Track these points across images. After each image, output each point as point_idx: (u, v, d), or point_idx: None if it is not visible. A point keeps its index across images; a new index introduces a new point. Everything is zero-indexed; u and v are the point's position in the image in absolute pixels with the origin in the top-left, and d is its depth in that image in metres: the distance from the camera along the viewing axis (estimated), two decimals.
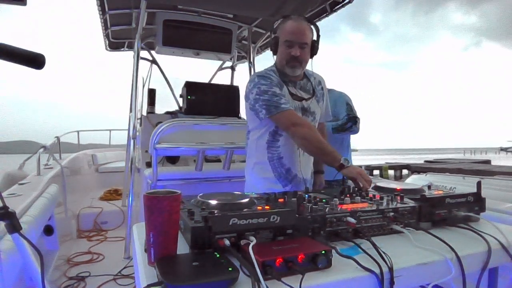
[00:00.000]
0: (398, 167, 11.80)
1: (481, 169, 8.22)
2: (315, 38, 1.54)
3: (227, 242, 0.71)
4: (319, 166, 1.78)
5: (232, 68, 3.91)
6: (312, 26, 1.53)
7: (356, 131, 2.34)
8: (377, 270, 0.70)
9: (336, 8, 2.80)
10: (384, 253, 0.75)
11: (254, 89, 1.47)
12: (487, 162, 12.88)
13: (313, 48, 1.51)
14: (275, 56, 1.56)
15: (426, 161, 13.38)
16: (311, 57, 1.54)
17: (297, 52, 1.45)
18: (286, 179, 1.55)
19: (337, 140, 2.47)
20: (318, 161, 1.73)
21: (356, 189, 1.21)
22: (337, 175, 2.26)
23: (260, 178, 1.57)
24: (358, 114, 2.35)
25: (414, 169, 9.66)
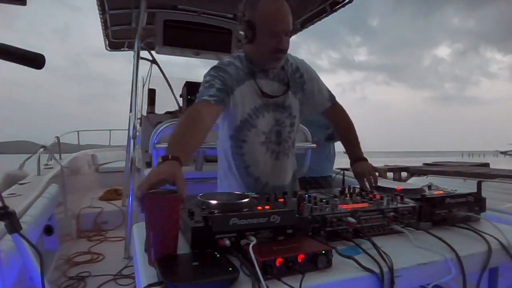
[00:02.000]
0: (397, 170, 11.79)
1: (480, 171, 8.23)
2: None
3: (227, 242, 0.71)
4: (355, 152, 1.42)
5: None
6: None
7: None
8: (377, 270, 0.70)
9: (336, 8, 2.80)
10: (384, 253, 0.75)
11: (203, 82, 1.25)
12: (486, 165, 12.92)
13: (292, 32, 1.26)
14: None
15: (425, 164, 13.38)
16: None
17: (286, 43, 1.22)
18: (256, 188, 1.33)
19: (326, 149, 2.47)
20: (350, 146, 1.45)
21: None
22: (326, 172, 2.22)
23: (225, 187, 1.40)
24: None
25: (413, 172, 9.62)
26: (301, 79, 1.38)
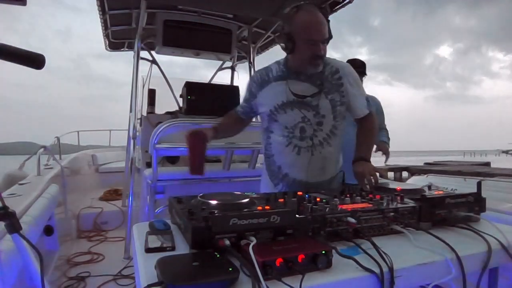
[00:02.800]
0: (397, 169, 11.76)
1: (481, 171, 8.24)
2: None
3: (227, 242, 0.71)
4: (359, 151, 1.45)
5: (232, 68, 3.91)
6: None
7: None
8: (377, 270, 0.70)
9: (336, 8, 2.81)
10: (384, 253, 0.75)
11: None
12: (487, 164, 12.90)
13: (329, 39, 1.37)
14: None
15: (425, 163, 13.35)
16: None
17: (322, 50, 1.34)
18: (277, 177, 1.48)
19: None
20: (358, 145, 1.48)
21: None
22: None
23: (262, 177, 1.60)
24: None
25: (414, 171, 9.57)
26: (339, 81, 1.44)
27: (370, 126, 1.50)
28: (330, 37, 1.35)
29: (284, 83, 1.41)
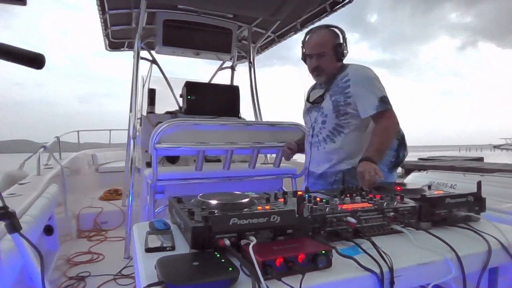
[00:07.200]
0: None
1: (473, 166, 8.26)
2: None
3: (227, 242, 0.71)
4: (365, 152, 1.47)
5: (232, 68, 3.91)
6: (337, 30, 1.62)
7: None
8: (377, 270, 0.70)
9: (336, 8, 2.81)
10: (384, 253, 0.75)
11: None
12: (480, 159, 12.90)
13: (336, 52, 1.58)
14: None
15: (420, 159, 13.35)
16: (339, 59, 1.61)
17: (314, 63, 1.61)
18: (305, 170, 1.77)
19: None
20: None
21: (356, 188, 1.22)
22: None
23: None
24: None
25: (408, 167, 9.50)
26: (346, 83, 1.57)
27: (382, 126, 1.50)
28: (338, 53, 1.57)
29: (307, 94, 1.77)
